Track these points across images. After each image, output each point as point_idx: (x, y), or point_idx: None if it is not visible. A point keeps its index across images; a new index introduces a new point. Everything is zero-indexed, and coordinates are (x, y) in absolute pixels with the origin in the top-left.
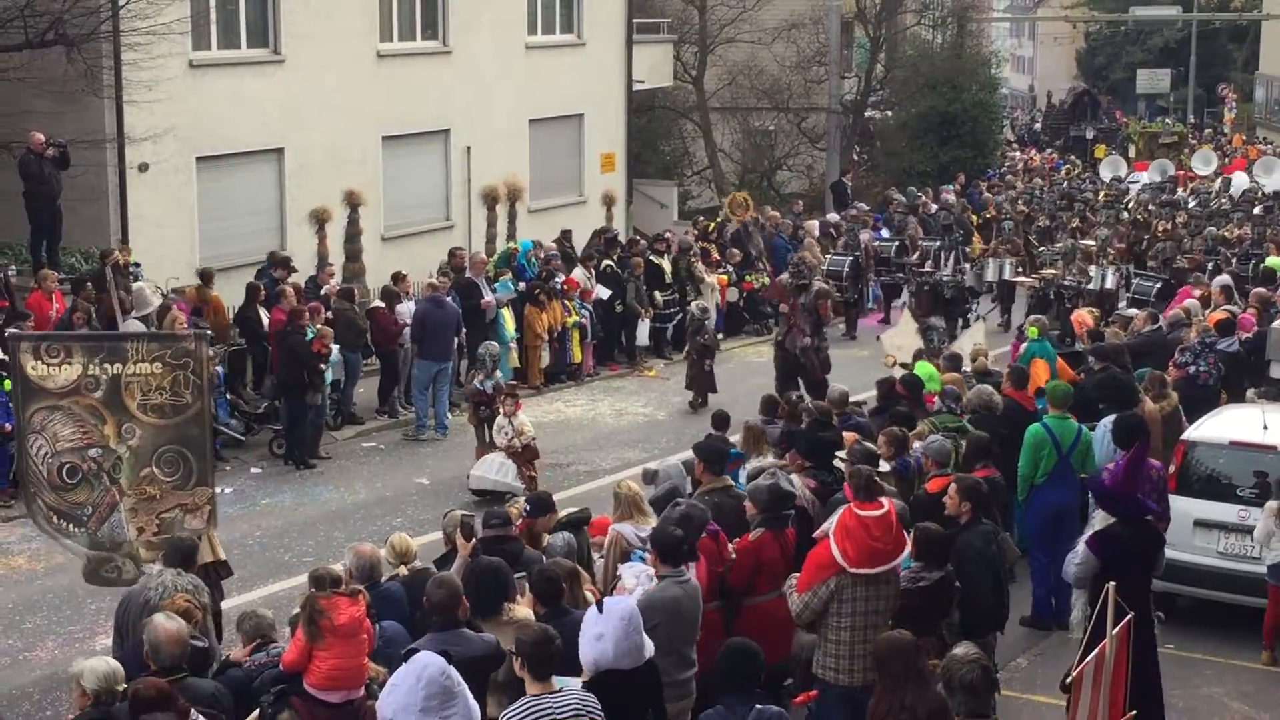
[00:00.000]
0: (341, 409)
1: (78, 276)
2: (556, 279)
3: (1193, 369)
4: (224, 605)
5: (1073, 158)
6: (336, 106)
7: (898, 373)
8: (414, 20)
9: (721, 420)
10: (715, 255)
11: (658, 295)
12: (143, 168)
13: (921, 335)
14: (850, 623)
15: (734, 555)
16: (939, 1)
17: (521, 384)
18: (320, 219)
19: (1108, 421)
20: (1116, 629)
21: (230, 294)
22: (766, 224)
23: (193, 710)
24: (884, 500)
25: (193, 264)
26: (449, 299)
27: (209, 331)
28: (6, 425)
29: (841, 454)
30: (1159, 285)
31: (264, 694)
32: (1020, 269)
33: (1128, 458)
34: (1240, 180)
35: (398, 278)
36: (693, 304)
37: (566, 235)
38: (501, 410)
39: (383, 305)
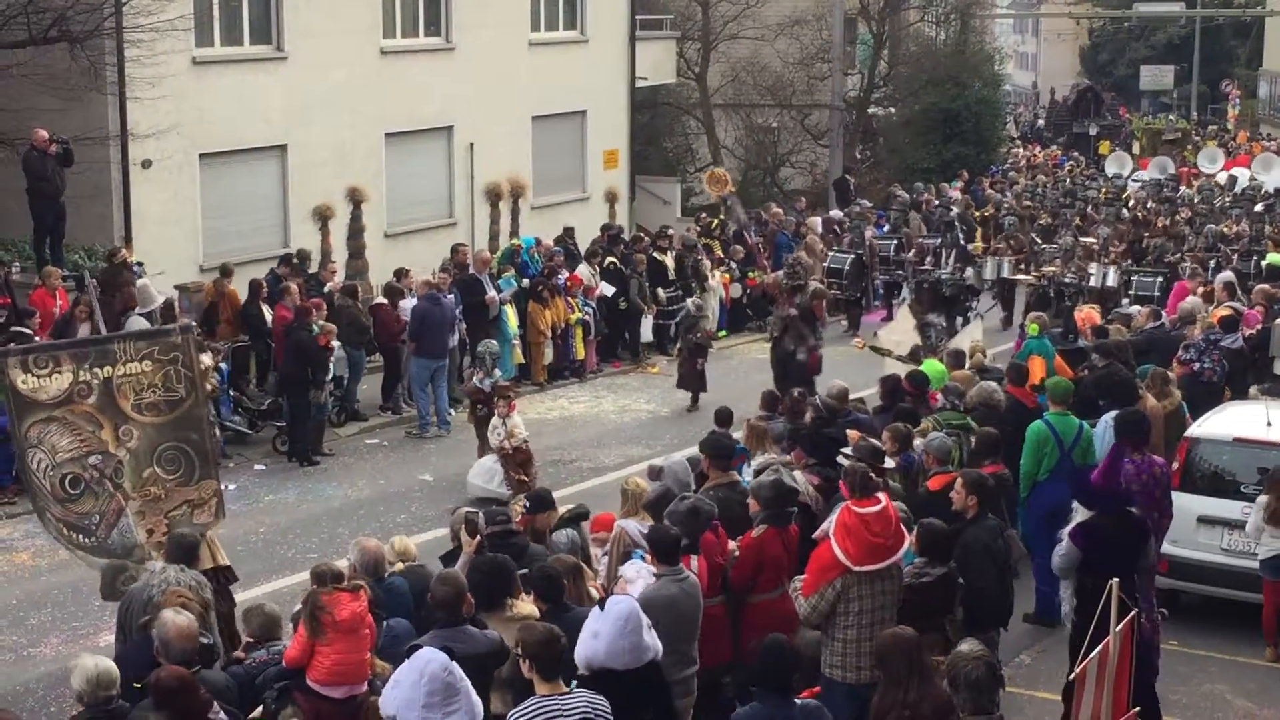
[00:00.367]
0: (345, 406)
1: (81, 274)
2: (560, 276)
3: (1197, 366)
4: None
5: (1076, 154)
6: (339, 103)
7: (894, 364)
8: (417, 17)
9: (724, 416)
10: (718, 252)
11: (661, 292)
12: (146, 164)
13: (920, 333)
14: (856, 620)
15: (736, 552)
16: None
17: (525, 381)
18: (323, 216)
19: (1108, 418)
20: (1120, 626)
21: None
22: (770, 220)
23: (215, 702)
24: (881, 495)
25: (196, 261)
26: (446, 296)
27: (194, 324)
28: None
29: (847, 450)
30: (1159, 281)
31: (267, 690)
32: (1021, 266)
33: (1108, 453)
34: (1240, 177)
35: (400, 274)
36: (688, 301)
37: (569, 232)
38: (495, 411)
39: (385, 302)
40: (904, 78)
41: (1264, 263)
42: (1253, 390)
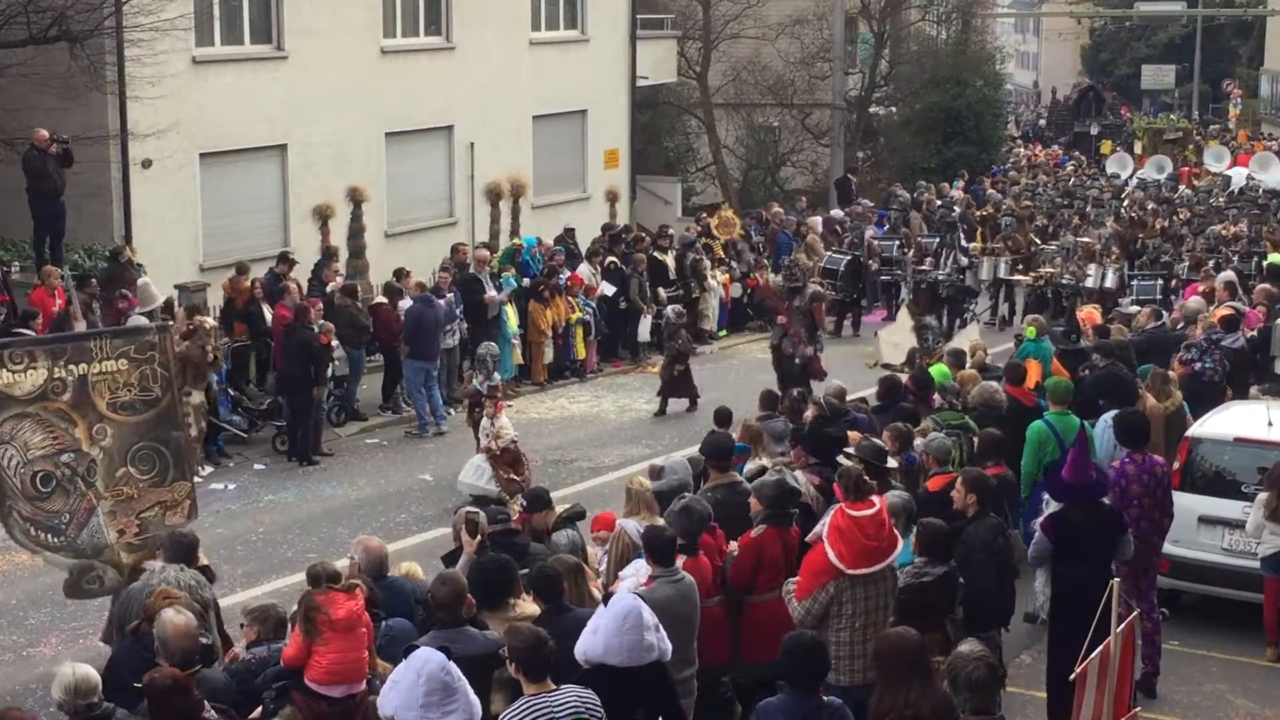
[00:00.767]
0: (345, 405)
1: (83, 273)
2: (561, 275)
3: (1198, 365)
4: (229, 601)
5: (1077, 154)
6: (340, 103)
7: (907, 370)
8: (417, 16)
9: (724, 416)
10: (719, 252)
11: (661, 291)
12: (146, 164)
13: (916, 335)
14: (850, 623)
15: (735, 552)
16: None
17: (525, 380)
18: (323, 215)
19: (1108, 418)
20: (1121, 627)
21: None
22: (771, 220)
23: (206, 703)
24: (874, 499)
25: (196, 260)
26: (444, 297)
27: (170, 323)
28: None
29: (849, 449)
30: (1160, 283)
31: (266, 690)
32: (1018, 266)
33: (1074, 445)
34: (1237, 177)
35: (400, 274)
36: (669, 308)
37: (570, 232)
38: (484, 412)
39: (385, 302)
40: (905, 77)
41: (1265, 263)
42: (1253, 390)
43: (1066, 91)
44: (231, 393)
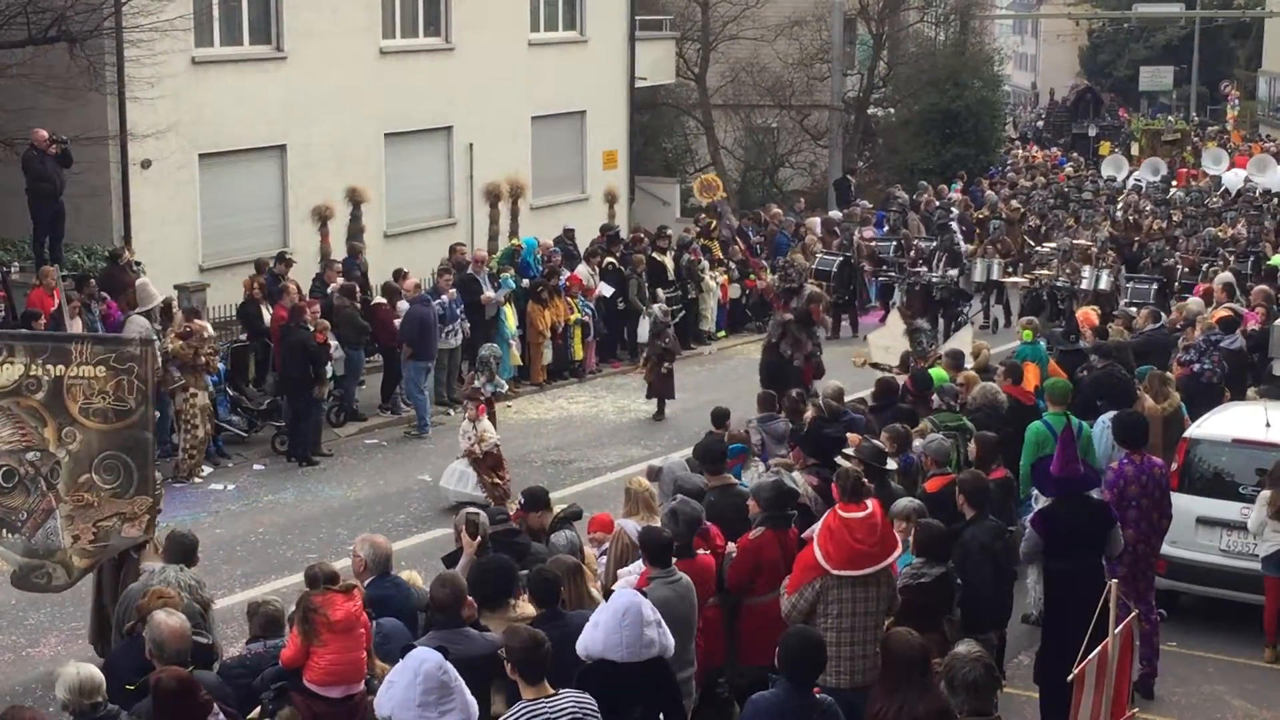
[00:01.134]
0: (344, 406)
1: (82, 273)
2: (561, 276)
3: (1197, 367)
4: (229, 601)
5: (1076, 155)
6: (339, 103)
7: (899, 371)
8: (416, 17)
9: (721, 416)
10: (717, 253)
11: (660, 292)
12: (145, 164)
13: (909, 337)
14: (837, 624)
15: (733, 554)
16: None
17: (524, 381)
18: (323, 216)
19: (1106, 418)
20: (1119, 628)
21: (231, 291)
22: (769, 221)
23: (215, 704)
24: (869, 502)
25: (195, 260)
26: (441, 298)
27: (155, 338)
28: None
29: (849, 450)
30: (1155, 287)
31: (265, 691)
32: (1011, 268)
33: (1059, 441)
34: (1234, 179)
35: (399, 275)
36: (654, 306)
37: (569, 233)
38: (465, 414)
39: (384, 302)
40: (903, 78)
41: (1263, 264)
42: (1251, 391)
43: (1064, 93)
44: (231, 393)
